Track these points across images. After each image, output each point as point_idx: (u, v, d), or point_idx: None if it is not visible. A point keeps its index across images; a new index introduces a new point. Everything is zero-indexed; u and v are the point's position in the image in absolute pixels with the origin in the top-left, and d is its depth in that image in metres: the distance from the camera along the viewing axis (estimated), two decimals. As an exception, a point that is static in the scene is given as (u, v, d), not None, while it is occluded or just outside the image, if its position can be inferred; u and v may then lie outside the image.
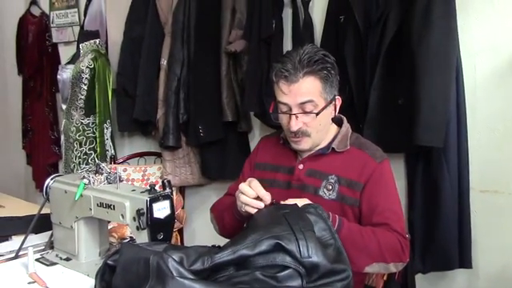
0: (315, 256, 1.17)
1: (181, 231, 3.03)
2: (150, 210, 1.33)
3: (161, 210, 1.35)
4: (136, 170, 2.97)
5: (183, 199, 3.03)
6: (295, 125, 1.54)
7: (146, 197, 1.34)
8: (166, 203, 1.37)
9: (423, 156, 2.09)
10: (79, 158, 3.06)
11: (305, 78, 1.51)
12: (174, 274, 1.05)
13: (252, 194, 1.44)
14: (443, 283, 2.19)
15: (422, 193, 2.12)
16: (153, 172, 2.98)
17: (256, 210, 1.43)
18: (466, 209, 2.05)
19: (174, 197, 2.87)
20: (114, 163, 3.02)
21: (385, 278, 1.66)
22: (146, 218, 1.33)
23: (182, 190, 3.06)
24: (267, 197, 1.43)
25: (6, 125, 4.53)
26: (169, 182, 1.40)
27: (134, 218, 1.35)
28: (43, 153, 4.02)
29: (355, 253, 1.39)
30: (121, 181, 1.49)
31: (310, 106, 1.53)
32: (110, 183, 1.49)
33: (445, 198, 2.03)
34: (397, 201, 1.60)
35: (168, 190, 1.39)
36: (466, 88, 2.03)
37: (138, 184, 2.91)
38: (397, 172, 1.97)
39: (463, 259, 2.04)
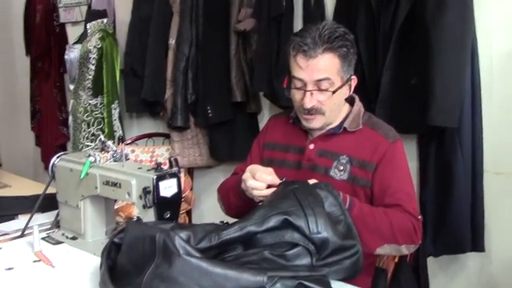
0: (325, 232, 1.15)
1: (189, 213, 3.01)
2: (156, 188, 1.30)
3: (167, 188, 1.32)
4: (144, 151, 2.95)
5: (192, 180, 3.01)
6: (309, 102, 1.50)
7: (153, 175, 1.31)
8: (173, 181, 1.34)
9: (436, 137, 2.05)
10: (87, 138, 3.05)
11: (324, 54, 1.46)
12: (181, 252, 1.02)
13: (263, 187, 1.40)
14: (455, 266, 2.16)
15: (434, 174, 2.08)
16: (161, 153, 2.96)
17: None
18: (479, 191, 2.01)
19: (183, 178, 2.85)
20: (123, 144, 2.99)
21: (396, 260, 1.63)
22: (152, 196, 1.30)
23: (190, 171, 3.03)
24: (275, 181, 1.40)
25: (15, 106, 4.52)
26: (176, 160, 1.37)
27: (141, 197, 1.32)
28: (51, 134, 4.01)
29: (366, 234, 1.35)
30: (127, 159, 1.47)
31: (326, 84, 1.48)
32: (116, 161, 1.46)
33: (458, 180, 1.99)
34: (409, 182, 1.56)
35: (175, 168, 1.35)
36: (481, 68, 1.98)
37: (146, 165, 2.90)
38: (409, 153, 1.93)
39: (476, 242, 2.00)
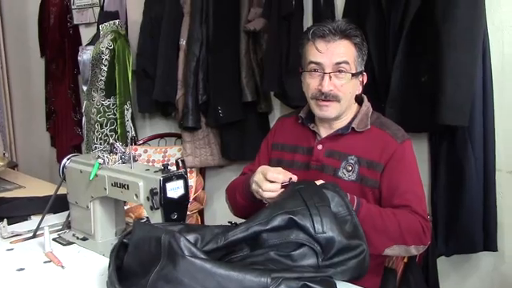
0: (330, 231, 1.15)
1: (201, 212, 3.03)
2: (163, 189, 1.31)
3: (174, 189, 1.33)
4: (156, 151, 2.98)
5: (203, 180, 3.02)
6: (328, 85, 1.50)
7: (160, 176, 1.31)
8: (180, 183, 1.34)
9: (447, 135, 2.03)
10: (100, 139, 3.08)
11: (342, 40, 1.51)
12: (186, 254, 1.03)
13: (277, 188, 1.40)
14: (467, 266, 2.14)
15: (445, 173, 2.06)
16: (173, 153, 2.98)
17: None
18: (491, 190, 1.99)
19: (195, 178, 2.87)
20: (135, 144, 3.02)
21: (405, 260, 1.62)
22: (159, 197, 1.31)
23: (202, 171, 3.05)
24: (287, 178, 1.40)
25: (31, 107, 4.58)
26: (183, 161, 1.38)
27: (148, 198, 1.33)
28: (66, 134, 4.05)
29: (374, 234, 1.35)
30: (135, 160, 1.48)
31: (345, 67, 1.51)
32: (124, 163, 1.48)
33: (469, 179, 1.97)
34: (418, 182, 1.54)
35: (182, 170, 1.36)
36: (493, 65, 1.95)
37: (158, 165, 2.92)
38: (420, 152, 1.92)
39: (488, 242, 1.98)
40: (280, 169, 1.44)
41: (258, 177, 1.44)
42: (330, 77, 1.50)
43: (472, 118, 1.93)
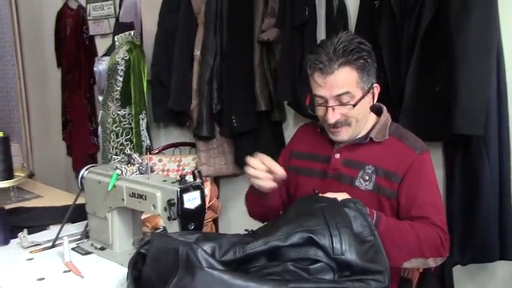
0: (348, 253, 1.14)
1: (216, 221, 3.04)
2: (180, 200, 1.33)
3: (191, 200, 1.35)
4: (171, 161, 3.00)
5: (218, 189, 3.04)
6: (332, 117, 1.51)
7: (177, 187, 1.34)
8: (197, 193, 1.36)
9: (462, 145, 2.02)
10: (116, 148, 3.12)
11: (340, 68, 1.46)
12: (204, 265, 1.05)
13: (260, 167, 1.46)
14: (483, 275, 2.13)
15: (461, 183, 2.05)
16: (188, 162, 3.00)
17: (267, 183, 1.46)
18: (507, 199, 1.98)
19: (209, 187, 2.89)
20: (150, 153, 3.05)
21: (421, 270, 1.62)
22: (176, 208, 1.33)
23: (216, 180, 3.07)
24: (277, 168, 1.44)
25: (47, 117, 4.65)
26: (199, 172, 1.40)
27: (165, 209, 1.36)
28: (82, 144, 4.10)
29: (393, 249, 1.34)
30: (152, 171, 1.50)
31: (346, 98, 1.49)
32: (141, 174, 1.50)
33: (485, 188, 1.96)
34: (437, 194, 1.54)
35: (199, 181, 1.38)
36: (507, 73, 1.95)
37: (173, 174, 2.94)
38: (435, 161, 1.89)
39: (504, 251, 1.97)
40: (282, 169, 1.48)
41: (252, 158, 1.51)
42: (334, 108, 1.50)
43: (487, 127, 1.92)
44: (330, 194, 1.38)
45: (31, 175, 3.64)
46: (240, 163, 2.87)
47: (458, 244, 2.04)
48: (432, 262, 1.45)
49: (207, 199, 2.91)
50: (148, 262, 1.16)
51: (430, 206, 1.48)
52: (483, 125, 1.89)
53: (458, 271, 2.12)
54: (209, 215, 2.91)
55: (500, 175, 1.97)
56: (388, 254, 1.23)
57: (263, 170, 1.46)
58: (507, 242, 1.97)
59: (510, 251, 1.98)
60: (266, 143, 2.73)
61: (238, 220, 3.06)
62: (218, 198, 3.01)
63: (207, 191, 2.91)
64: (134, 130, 3.09)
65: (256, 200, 1.62)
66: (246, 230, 1.33)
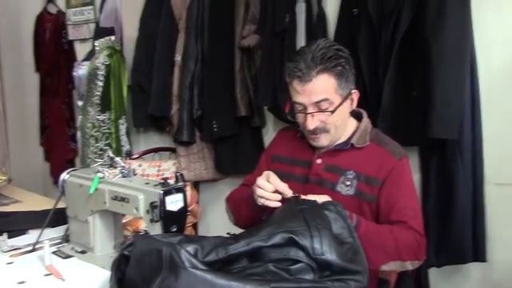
0: (328, 254, 1.16)
1: (195, 226, 3.05)
2: (163, 202, 1.34)
3: (174, 202, 1.36)
4: (151, 166, 3.00)
5: (198, 194, 3.05)
6: (311, 123, 1.53)
7: (160, 190, 1.35)
8: (179, 196, 1.38)
9: (438, 149, 2.08)
10: (95, 153, 3.10)
11: (318, 76, 1.48)
12: (187, 265, 1.06)
13: (269, 188, 1.44)
14: (457, 276, 2.18)
15: (436, 186, 2.11)
16: (168, 167, 3.00)
17: (273, 203, 1.44)
18: (480, 202, 2.04)
19: (189, 192, 2.89)
20: (130, 158, 3.05)
21: (398, 271, 1.65)
22: (159, 210, 1.34)
23: (196, 184, 3.07)
24: (286, 189, 1.43)
25: (25, 122, 4.59)
26: (182, 175, 1.41)
27: (148, 211, 1.37)
28: (60, 149, 4.06)
29: (372, 252, 1.36)
30: (134, 174, 1.51)
31: (325, 104, 1.51)
32: (124, 177, 1.51)
33: (459, 191, 2.02)
34: (415, 198, 1.59)
35: (181, 183, 1.40)
36: (480, 80, 2.01)
37: (153, 179, 2.93)
38: (411, 166, 1.94)
39: (477, 252, 2.03)
40: (285, 184, 1.46)
41: (260, 177, 1.47)
42: (313, 115, 1.52)
43: (461, 132, 1.98)
44: (311, 196, 1.40)
45: (9, 180, 3.59)
46: (220, 168, 2.89)
47: (433, 246, 2.08)
48: (409, 265, 1.49)
49: (187, 204, 2.91)
50: (131, 263, 1.17)
51: (408, 210, 1.52)
52: (458, 129, 1.95)
53: (433, 273, 2.17)
54: (189, 220, 2.90)
55: (474, 179, 2.03)
56: (367, 256, 1.25)
57: (271, 190, 1.44)
58: (480, 245, 2.03)
59: (483, 253, 2.04)
60: (246, 148, 2.75)
61: (217, 225, 3.07)
62: (197, 202, 3.01)
63: (187, 196, 2.91)
64: (113, 135, 3.08)
65: (253, 214, 1.59)
66: (228, 234, 1.35)
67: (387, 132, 1.82)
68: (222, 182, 3.04)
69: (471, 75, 1.99)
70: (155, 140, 3.35)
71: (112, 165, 1.53)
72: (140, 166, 2.98)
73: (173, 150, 3.07)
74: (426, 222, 2.07)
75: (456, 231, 2.03)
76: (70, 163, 3.99)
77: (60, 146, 4.06)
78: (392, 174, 1.54)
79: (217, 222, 3.07)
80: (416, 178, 2.18)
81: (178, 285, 1.04)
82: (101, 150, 3.10)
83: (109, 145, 3.11)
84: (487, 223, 2.04)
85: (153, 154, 3.13)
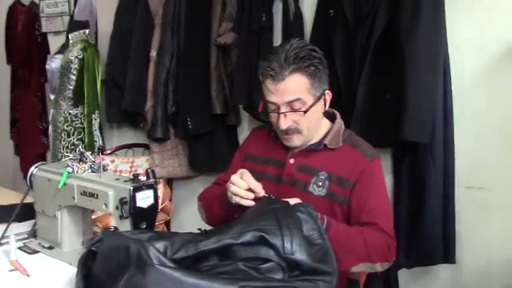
0: (298, 253, 1.16)
1: (168, 223, 3.02)
2: (133, 199, 1.32)
3: (144, 199, 1.34)
4: (124, 162, 2.96)
5: (171, 191, 3.03)
6: (284, 123, 1.52)
7: (130, 186, 1.33)
8: (150, 193, 1.36)
9: (410, 151, 2.10)
10: (67, 148, 3.05)
11: (291, 75, 1.48)
12: (155, 263, 1.05)
13: (243, 186, 1.43)
14: (427, 277, 2.21)
15: (407, 188, 2.13)
16: (141, 163, 2.97)
17: (246, 202, 1.43)
18: (450, 205, 2.07)
19: (162, 189, 2.87)
20: (102, 154, 2.99)
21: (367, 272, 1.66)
22: (128, 207, 1.32)
23: (169, 182, 3.05)
24: (259, 188, 1.42)
25: (-6, 114, 4.50)
26: (153, 171, 1.39)
27: (117, 207, 1.34)
28: (31, 143, 3.99)
29: (342, 253, 1.36)
30: (105, 170, 1.49)
31: (298, 104, 1.50)
32: (93, 172, 1.48)
33: (430, 194, 2.04)
34: (386, 200, 1.59)
35: (152, 180, 1.38)
36: (453, 84, 2.04)
37: (125, 175, 2.90)
38: (384, 168, 1.96)
39: (447, 254, 2.05)
40: (259, 183, 1.45)
41: (234, 175, 1.46)
42: (286, 115, 1.52)
43: (433, 135, 2.00)
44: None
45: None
46: (194, 166, 2.88)
47: (403, 248, 2.10)
48: (379, 267, 1.50)
49: (160, 201, 2.88)
50: (98, 259, 1.15)
51: (379, 212, 1.53)
52: (430, 133, 1.97)
53: (403, 274, 2.19)
54: (161, 217, 2.89)
55: (444, 182, 2.06)
56: (337, 258, 1.25)
57: (244, 187, 1.43)
58: (450, 246, 2.06)
59: (452, 255, 2.06)
60: (221, 146, 2.74)
61: (190, 222, 3.05)
62: (170, 200, 2.99)
63: (160, 193, 2.89)
64: (86, 130, 3.04)
65: (225, 212, 1.58)
66: (199, 230, 1.33)
67: (361, 133, 1.82)
68: (196, 180, 3.02)
69: (444, 78, 2.01)
70: (129, 136, 3.31)
71: (82, 159, 1.51)
72: (113, 161, 2.94)
73: (146, 147, 3.04)
74: (397, 224, 2.11)
75: (426, 233, 2.05)
76: (41, 158, 3.92)
77: (31, 140, 4.00)
78: (363, 175, 1.54)
79: (190, 219, 3.05)
80: (388, 179, 2.19)
81: (146, 282, 1.03)
82: (73, 144, 3.05)
83: (81, 140, 3.06)
84: (457, 225, 2.07)
85: (126, 150, 3.09)
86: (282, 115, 1.52)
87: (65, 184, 1.48)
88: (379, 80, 2.08)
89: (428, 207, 2.04)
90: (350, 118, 2.12)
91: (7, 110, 4.16)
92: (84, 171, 1.48)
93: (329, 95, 1.60)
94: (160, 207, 2.86)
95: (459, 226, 2.07)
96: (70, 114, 3.05)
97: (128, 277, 1.05)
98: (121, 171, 2.92)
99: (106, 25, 3.21)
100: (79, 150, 1.55)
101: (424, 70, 1.94)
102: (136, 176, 1.36)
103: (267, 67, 1.50)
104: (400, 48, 1.97)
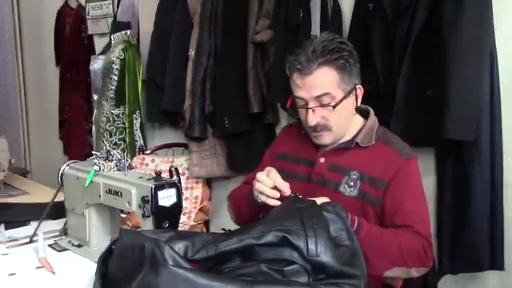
0: (323, 255, 1.10)
1: (207, 223, 3.01)
2: (154, 197, 1.30)
3: (166, 197, 1.32)
4: (164, 161, 2.98)
5: (210, 191, 3.01)
6: (312, 119, 1.47)
7: (151, 184, 1.31)
8: (172, 191, 1.33)
9: (454, 151, 1.98)
10: (109, 147, 3.10)
11: (319, 69, 1.42)
12: (170, 263, 1.01)
13: (269, 184, 1.38)
14: (473, 285, 2.08)
15: (451, 189, 2.01)
16: (180, 163, 2.97)
17: (273, 201, 1.38)
18: (498, 207, 1.93)
19: (200, 188, 2.86)
20: (143, 153, 3.03)
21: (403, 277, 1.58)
22: (150, 205, 1.30)
23: (209, 181, 3.04)
24: (285, 187, 1.37)
25: (44, 115, 4.64)
26: (176, 169, 1.39)
27: (140, 206, 1.33)
28: (79, 143, 4.09)
29: (374, 256, 1.30)
30: (131, 168, 1.47)
31: (326, 99, 1.45)
32: (119, 170, 1.48)
33: (476, 195, 1.92)
34: (422, 201, 1.49)
35: (175, 178, 1.37)
36: (501, 77, 1.90)
37: (165, 175, 2.91)
38: (426, 167, 1.88)
39: (494, 260, 1.92)
40: (287, 183, 1.40)
41: (261, 172, 1.42)
42: (314, 110, 1.46)
43: (479, 133, 1.88)
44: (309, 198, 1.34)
45: (25, 173, 3.63)
46: (232, 165, 2.85)
47: (447, 252, 2.00)
48: (415, 272, 1.41)
49: (198, 201, 2.88)
50: (114, 257, 1.14)
51: (414, 213, 1.44)
52: (474, 130, 1.85)
53: (447, 281, 2.07)
54: (200, 217, 2.88)
55: (492, 182, 1.93)
56: (369, 261, 1.19)
57: (270, 185, 1.38)
58: (497, 251, 1.93)
59: (501, 261, 1.93)
60: (259, 145, 2.69)
61: (229, 222, 3.01)
62: (209, 200, 2.98)
63: (198, 193, 2.89)
64: (127, 130, 3.08)
65: (252, 211, 1.54)
66: (223, 229, 1.30)
67: (401, 131, 1.74)
68: (235, 180, 2.99)
69: (490, 73, 1.88)
70: (170, 135, 3.32)
71: (108, 157, 1.50)
72: (153, 161, 2.96)
73: (186, 146, 3.04)
74: (441, 227, 2.02)
75: (472, 237, 1.93)
76: (88, 157, 3.99)
77: (78, 139, 4.09)
78: (398, 174, 1.46)
79: (229, 220, 3.02)
80: (431, 180, 2.09)
81: (158, 282, 0.99)
82: (115, 144, 3.10)
83: (123, 139, 3.10)
84: (506, 229, 1.93)
85: (166, 149, 3.10)
86: (310, 111, 1.46)
87: (91, 182, 1.48)
88: (420, 75, 1.97)
89: (474, 209, 1.92)
90: (389, 116, 2.02)
91: (56, 110, 4.28)
92: (110, 169, 1.48)
93: (360, 90, 1.53)
94: (199, 207, 2.86)
95: (508, 229, 1.94)
96: (112, 113, 3.09)
97: (142, 276, 1.02)
98: (161, 171, 2.93)
99: (147, 25, 3.23)
100: (123, 151, 1.55)
101: (468, 63, 1.82)
102: (159, 174, 1.34)
103: (294, 61, 1.45)
104: (442, 41, 1.86)
